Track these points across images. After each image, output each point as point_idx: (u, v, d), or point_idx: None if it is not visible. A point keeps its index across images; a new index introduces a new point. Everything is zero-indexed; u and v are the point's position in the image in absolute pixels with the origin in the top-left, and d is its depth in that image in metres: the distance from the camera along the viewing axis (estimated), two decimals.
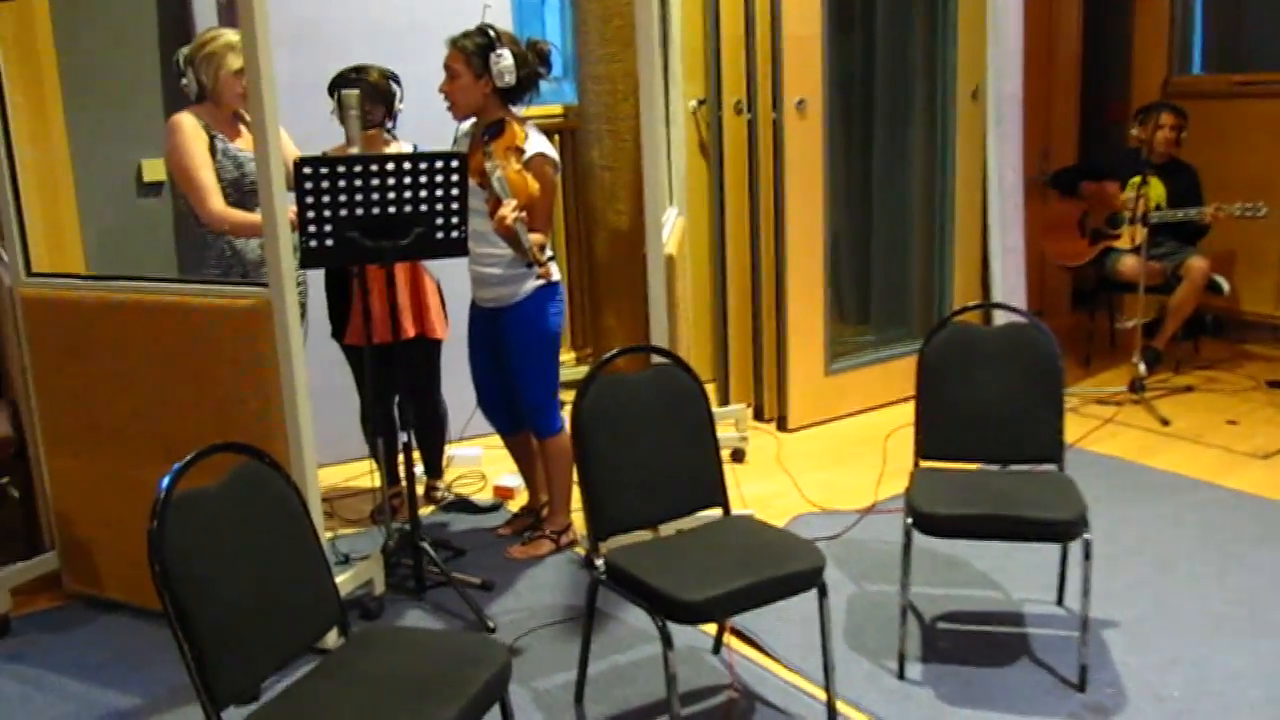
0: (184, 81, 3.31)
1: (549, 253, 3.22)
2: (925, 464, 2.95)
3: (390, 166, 2.88)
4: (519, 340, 3.32)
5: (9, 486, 3.69)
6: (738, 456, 4.29)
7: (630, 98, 4.34)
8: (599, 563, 2.45)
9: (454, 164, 2.95)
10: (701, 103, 4.84)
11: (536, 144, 3.23)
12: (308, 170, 2.82)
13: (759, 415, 4.73)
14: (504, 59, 3.15)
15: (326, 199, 2.86)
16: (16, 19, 3.89)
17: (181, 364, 2.87)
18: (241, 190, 3.27)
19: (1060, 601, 3.07)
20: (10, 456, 3.47)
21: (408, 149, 3.64)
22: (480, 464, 4.32)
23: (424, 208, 2.96)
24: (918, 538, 2.66)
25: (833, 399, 4.72)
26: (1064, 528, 2.60)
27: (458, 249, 3.07)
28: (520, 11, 5.26)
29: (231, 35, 3.25)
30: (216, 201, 3.21)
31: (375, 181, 2.88)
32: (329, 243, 2.91)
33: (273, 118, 2.61)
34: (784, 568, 2.36)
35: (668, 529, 2.69)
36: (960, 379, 2.93)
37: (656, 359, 2.77)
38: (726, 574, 2.33)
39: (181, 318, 2.84)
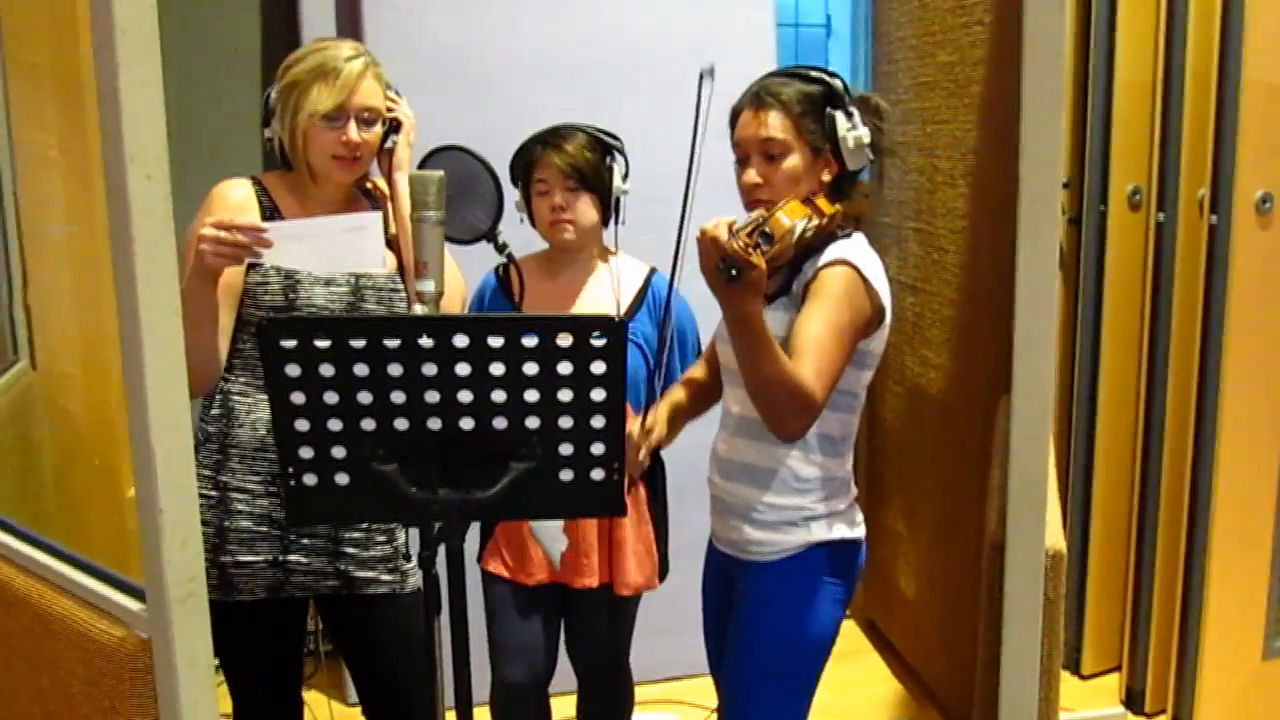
0: (266, 133, 1.91)
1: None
2: None
3: (462, 342, 1.34)
4: (754, 629, 1.75)
5: None
6: None
7: (961, 181, 2.64)
8: None
9: (598, 338, 1.37)
10: (1063, 186, 3.07)
11: (854, 252, 1.67)
12: (288, 343, 1.33)
13: (1134, 704, 2.86)
14: (856, 121, 1.69)
15: (331, 397, 1.36)
16: (53, 43, 2.69)
17: (26, 706, 1.44)
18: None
19: None
20: None
21: (635, 274, 2.16)
22: None
23: (534, 422, 1.41)
24: None
25: (1273, 695, 2.78)
26: None
27: (603, 505, 1.49)
28: (796, 46, 3.67)
29: (336, 51, 1.82)
30: None
31: (431, 369, 1.36)
32: (341, 480, 1.40)
33: (160, 205, 1.13)
34: None
35: None
36: None
37: None
38: None
39: (33, 626, 1.41)
